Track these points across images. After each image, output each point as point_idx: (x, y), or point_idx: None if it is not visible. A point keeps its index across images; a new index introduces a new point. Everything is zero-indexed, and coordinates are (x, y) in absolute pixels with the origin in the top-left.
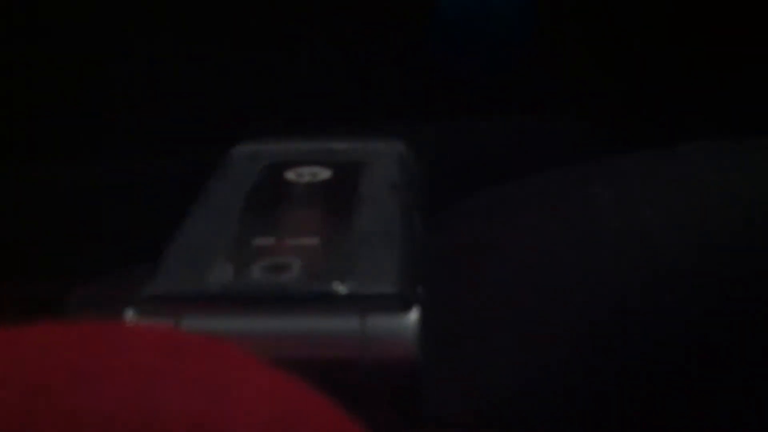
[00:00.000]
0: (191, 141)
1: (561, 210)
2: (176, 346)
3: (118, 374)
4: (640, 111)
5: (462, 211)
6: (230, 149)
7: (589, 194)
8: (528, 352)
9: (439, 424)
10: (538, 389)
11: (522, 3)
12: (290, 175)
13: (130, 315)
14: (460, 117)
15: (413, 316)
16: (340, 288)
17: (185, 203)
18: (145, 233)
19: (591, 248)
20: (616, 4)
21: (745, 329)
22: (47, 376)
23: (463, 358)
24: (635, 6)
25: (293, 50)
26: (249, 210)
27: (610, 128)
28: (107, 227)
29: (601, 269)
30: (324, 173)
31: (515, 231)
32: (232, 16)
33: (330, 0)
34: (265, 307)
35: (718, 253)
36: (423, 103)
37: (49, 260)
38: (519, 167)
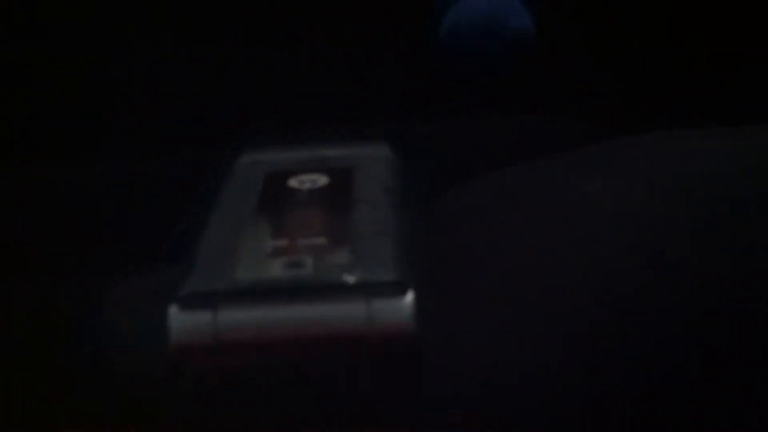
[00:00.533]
0: (191, 141)
1: (556, 207)
2: None
3: None
4: (640, 111)
5: (459, 208)
6: (236, 159)
7: (588, 191)
8: (523, 340)
9: (439, 423)
10: (538, 389)
11: (522, 20)
12: (293, 182)
13: (173, 310)
14: (460, 117)
15: (409, 297)
16: (348, 278)
17: (185, 203)
18: (145, 233)
19: (590, 245)
20: (616, 4)
21: (746, 328)
22: None
23: (460, 352)
24: (635, 6)
25: (293, 50)
26: (262, 215)
27: (610, 128)
28: (107, 227)
29: (599, 266)
30: (322, 179)
31: (510, 228)
32: (231, 16)
33: (330, 1)
34: (287, 298)
35: (718, 251)
36: (423, 103)
37: (49, 260)
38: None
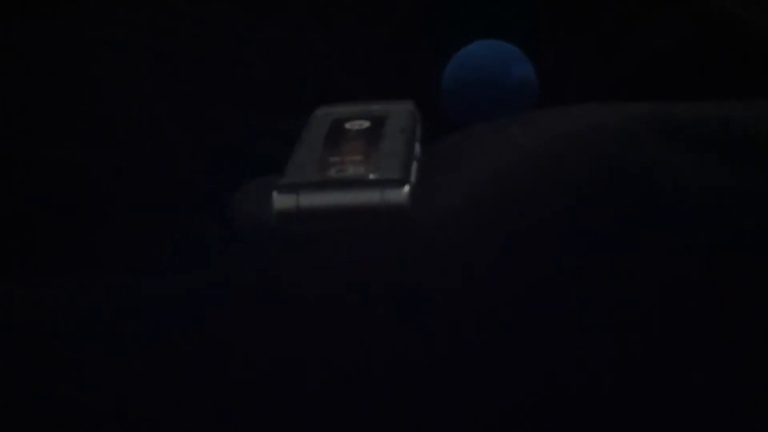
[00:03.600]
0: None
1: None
2: None
3: None
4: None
5: (443, 145)
6: (314, 111)
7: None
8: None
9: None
10: (537, 387)
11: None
12: (348, 125)
13: (275, 194)
14: None
15: (406, 189)
16: (371, 177)
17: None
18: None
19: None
20: (616, 2)
21: (746, 323)
22: None
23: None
24: (635, 4)
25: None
26: (327, 144)
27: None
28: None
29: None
30: (365, 123)
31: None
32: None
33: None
34: (339, 187)
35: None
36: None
37: (49, 259)
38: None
